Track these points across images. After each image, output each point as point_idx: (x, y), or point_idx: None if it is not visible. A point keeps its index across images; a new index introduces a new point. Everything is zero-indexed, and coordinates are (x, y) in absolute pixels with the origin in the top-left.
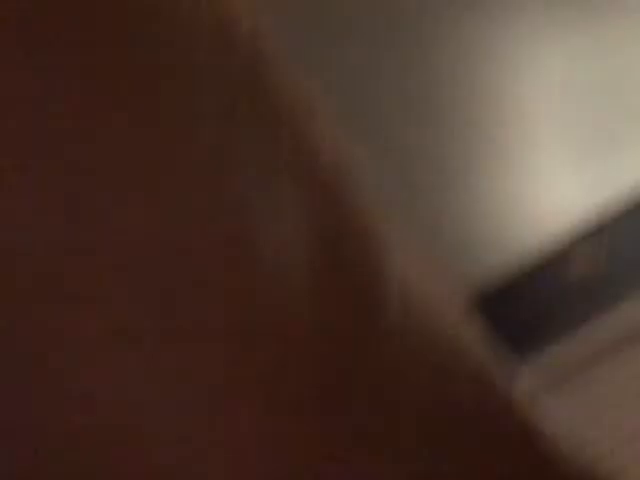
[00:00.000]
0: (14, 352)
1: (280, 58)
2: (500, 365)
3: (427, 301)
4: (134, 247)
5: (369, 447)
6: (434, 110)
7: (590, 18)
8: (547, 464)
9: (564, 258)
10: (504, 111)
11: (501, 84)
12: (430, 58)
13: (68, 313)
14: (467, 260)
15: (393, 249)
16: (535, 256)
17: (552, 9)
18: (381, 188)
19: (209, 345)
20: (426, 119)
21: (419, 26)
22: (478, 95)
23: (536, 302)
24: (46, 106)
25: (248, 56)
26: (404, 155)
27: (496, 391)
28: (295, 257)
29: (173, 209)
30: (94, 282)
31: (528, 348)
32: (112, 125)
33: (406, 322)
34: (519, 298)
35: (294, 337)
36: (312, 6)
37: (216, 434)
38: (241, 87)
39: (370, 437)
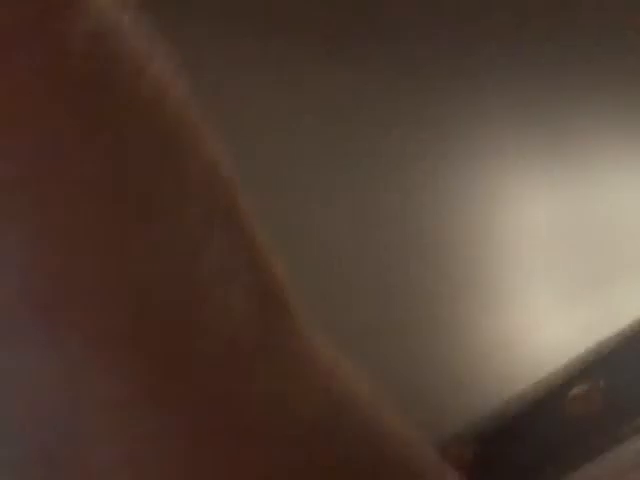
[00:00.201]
0: None
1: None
2: None
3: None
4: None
5: None
6: (420, 252)
7: (574, 165)
8: None
9: (559, 397)
10: (491, 252)
11: (485, 226)
12: (412, 203)
13: None
14: (456, 402)
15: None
16: (529, 396)
17: (536, 153)
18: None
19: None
20: (412, 261)
21: (399, 174)
22: (465, 237)
23: (532, 444)
24: None
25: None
26: (392, 296)
27: None
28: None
29: None
30: None
31: None
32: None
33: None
34: (513, 440)
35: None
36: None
37: None
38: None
39: None
